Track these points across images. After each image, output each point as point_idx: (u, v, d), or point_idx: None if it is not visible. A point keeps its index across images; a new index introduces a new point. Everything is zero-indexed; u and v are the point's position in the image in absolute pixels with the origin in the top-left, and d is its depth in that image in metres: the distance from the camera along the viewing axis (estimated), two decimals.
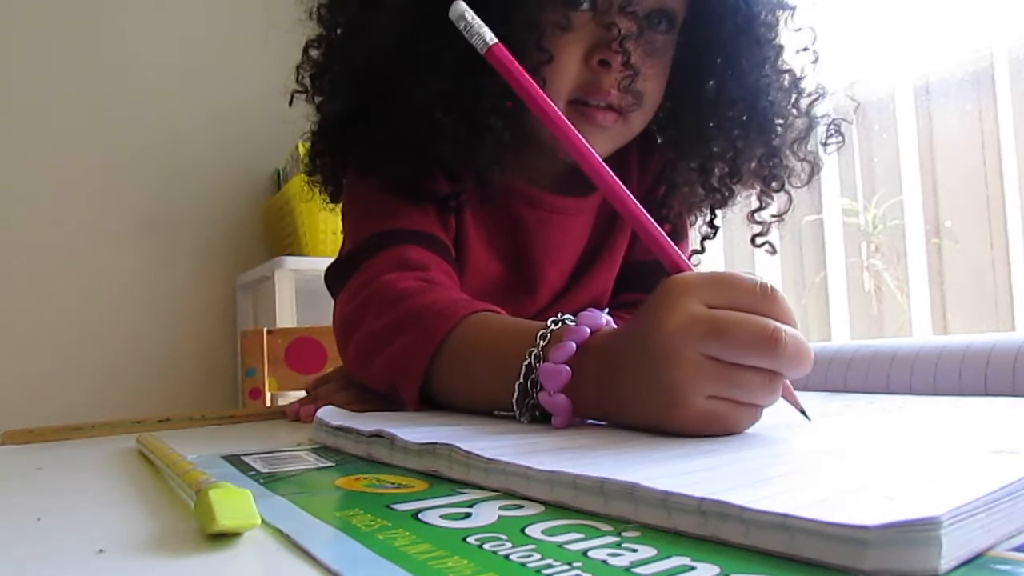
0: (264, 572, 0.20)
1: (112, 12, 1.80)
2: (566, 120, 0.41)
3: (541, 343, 0.40)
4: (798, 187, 0.66)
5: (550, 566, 0.18)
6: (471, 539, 0.21)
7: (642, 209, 0.39)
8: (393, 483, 0.30)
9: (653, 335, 0.34)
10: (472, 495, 0.27)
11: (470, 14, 0.44)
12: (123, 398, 1.74)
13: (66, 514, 0.27)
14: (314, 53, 0.64)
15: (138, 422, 0.57)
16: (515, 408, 0.41)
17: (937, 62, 1.28)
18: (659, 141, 0.70)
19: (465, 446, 0.30)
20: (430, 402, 0.50)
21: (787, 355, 0.32)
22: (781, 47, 0.63)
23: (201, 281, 1.87)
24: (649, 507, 0.22)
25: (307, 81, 0.64)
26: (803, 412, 0.36)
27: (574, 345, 0.39)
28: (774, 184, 0.65)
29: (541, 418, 0.41)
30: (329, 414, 0.42)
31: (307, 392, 0.68)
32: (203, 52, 1.89)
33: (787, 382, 0.35)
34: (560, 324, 0.41)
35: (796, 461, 0.28)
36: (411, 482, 0.30)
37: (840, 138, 0.66)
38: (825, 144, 0.66)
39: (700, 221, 0.72)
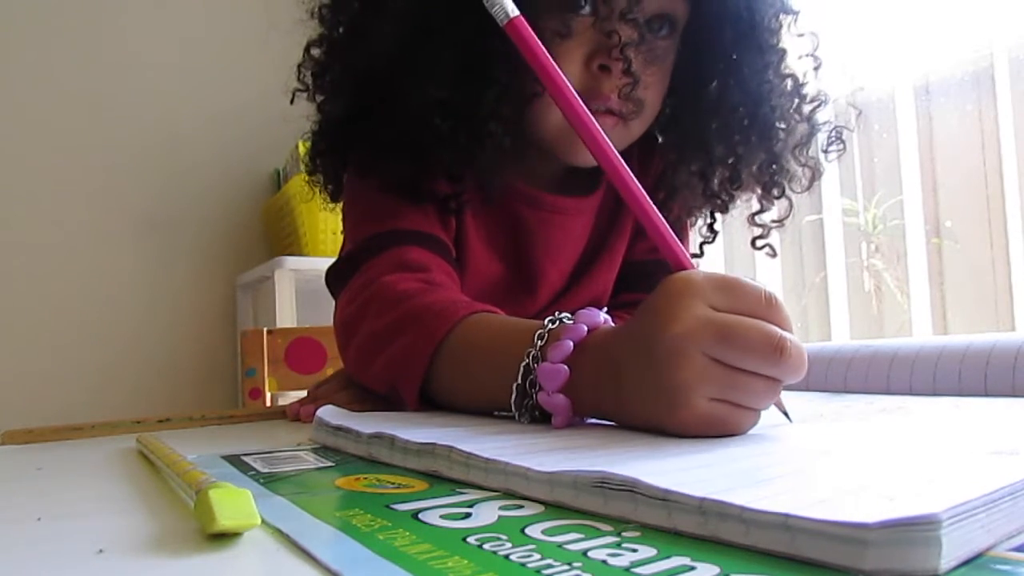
0: (264, 572, 0.20)
1: (112, 12, 1.80)
2: (581, 102, 0.40)
3: (539, 343, 0.40)
4: (799, 192, 0.66)
5: (550, 566, 0.18)
6: (471, 539, 0.21)
7: (649, 201, 0.39)
8: (393, 483, 0.30)
9: (659, 335, 0.34)
10: (472, 495, 0.27)
11: None
12: (123, 398, 1.74)
13: (66, 514, 0.27)
14: (315, 52, 0.64)
15: (138, 422, 0.57)
16: (514, 410, 0.41)
17: (937, 62, 1.28)
18: (660, 141, 0.69)
19: (465, 446, 0.30)
20: (430, 402, 0.50)
21: (790, 363, 0.32)
22: (784, 51, 0.62)
23: (201, 281, 1.87)
24: (649, 507, 0.22)
25: (308, 79, 0.64)
26: (786, 414, 0.37)
27: (571, 344, 0.39)
28: (775, 191, 0.65)
29: (541, 418, 0.41)
30: (329, 414, 0.42)
31: (308, 393, 0.68)
32: (203, 52, 1.89)
33: None
34: (558, 323, 0.41)
35: (796, 461, 0.28)
36: (411, 482, 0.30)
37: (841, 145, 0.66)
38: (826, 152, 0.66)
39: (700, 222, 0.72)
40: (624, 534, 0.21)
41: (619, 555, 0.19)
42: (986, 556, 0.18)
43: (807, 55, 0.63)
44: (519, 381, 0.40)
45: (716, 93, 0.62)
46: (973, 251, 1.26)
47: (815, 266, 1.47)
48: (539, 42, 0.41)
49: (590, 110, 0.59)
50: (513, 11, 0.41)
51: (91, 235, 1.77)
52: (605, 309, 0.42)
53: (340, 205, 0.70)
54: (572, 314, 0.42)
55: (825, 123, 0.65)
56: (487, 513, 0.24)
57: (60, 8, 1.75)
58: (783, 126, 0.63)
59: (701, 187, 0.66)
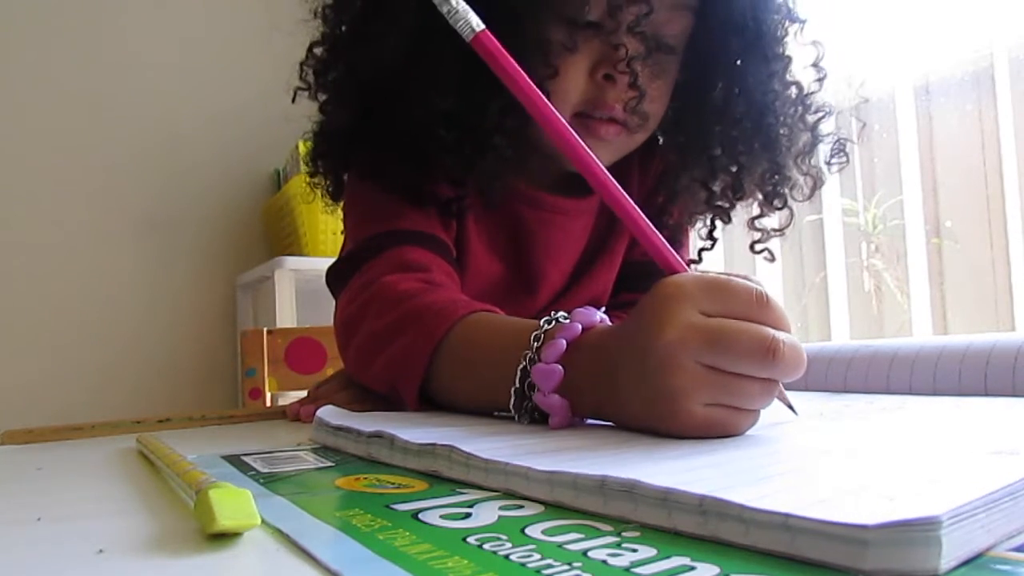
0: (264, 572, 0.20)
1: (112, 12, 1.80)
2: (557, 114, 0.40)
3: (535, 344, 0.40)
4: (800, 201, 0.66)
5: (550, 566, 0.18)
6: (471, 539, 0.21)
7: (632, 203, 0.39)
8: (393, 483, 0.30)
9: (650, 343, 0.33)
10: (472, 495, 0.27)
11: None
12: (123, 398, 1.74)
13: (66, 514, 0.27)
14: (318, 51, 0.64)
15: (138, 422, 0.57)
16: (513, 412, 0.41)
17: (937, 62, 1.28)
18: (660, 142, 0.69)
19: (465, 447, 0.30)
20: (430, 402, 0.50)
21: (784, 363, 0.32)
22: (789, 59, 0.62)
23: (201, 281, 1.87)
24: (649, 507, 0.22)
25: (310, 78, 0.64)
26: (791, 407, 0.37)
27: (564, 343, 0.39)
28: (777, 201, 0.65)
29: (540, 419, 0.41)
30: (329, 414, 0.42)
31: (308, 393, 0.68)
32: (203, 52, 1.89)
33: None
34: (553, 323, 0.41)
35: (796, 460, 0.28)
36: (411, 482, 0.30)
37: (844, 158, 0.65)
38: (829, 163, 0.66)
39: (700, 228, 0.72)
40: (624, 534, 0.21)
41: (619, 555, 0.19)
42: (986, 556, 0.18)
43: (812, 65, 0.63)
44: (516, 384, 0.40)
45: (720, 100, 0.62)
46: (973, 251, 1.26)
47: (815, 266, 1.47)
48: (508, 56, 0.40)
49: (594, 118, 0.59)
50: (479, 25, 0.40)
51: (91, 235, 1.77)
52: (604, 309, 0.42)
53: (340, 206, 0.70)
54: (569, 314, 0.42)
55: (829, 135, 0.65)
56: (487, 513, 0.24)
57: (60, 8, 1.75)
58: (786, 135, 0.63)
59: (704, 195, 0.66)
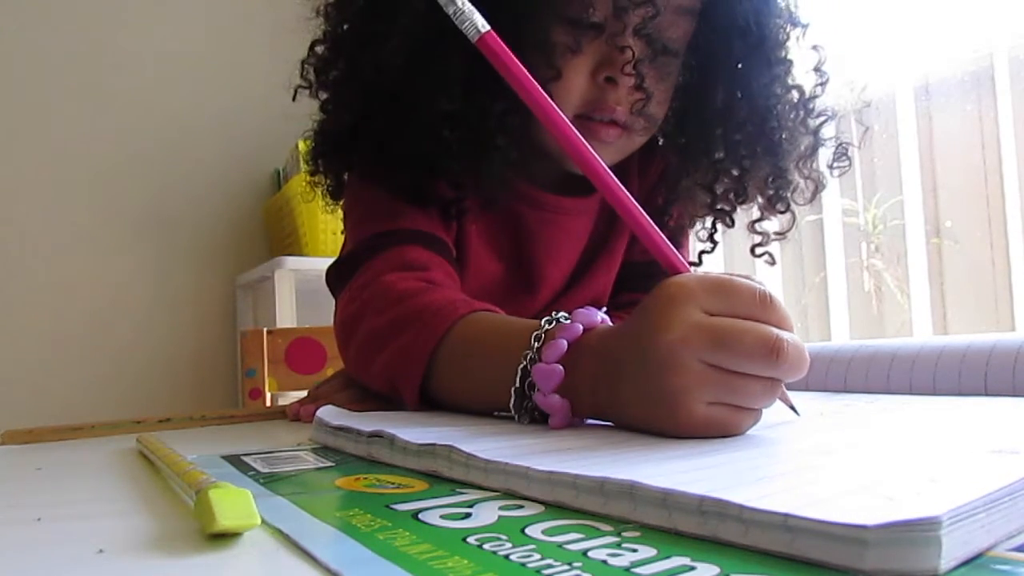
0: (264, 572, 0.20)
1: (112, 13, 1.80)
2: (561, 114, 0.40)
3: (535, 344, 0.40)
4: (801, 204, 0.66)
5: (550, 566, 0.18)
6: (471, 539, 0.21)
7: (637, 205, 0.39)
8: (393, 483, 0.30)
9: (653, 342, 0.33)
10: (472, 495, 0.27)
11: None
12: (123, 398, 1.75)
13: (66, 514, 0.27)
14: (319, 49, 0.64)
15: (138, 422, 0.57)
16: (513, 412, 0.41)
17: (937, 62, 1.28)
18: (660, 143, 0.69)
19: (465, 447, 0.30)
20: (430, 402, 0.50)
21: (788, 363, 0.32)
22: (791, 63, 0.62)
23: (201, 281, 1.87)
24: (649, 507, 0.22)
25: (311, 76, 0.64)
26: (793, 408, 0.37)
27: (565, 343, 0.39)
28: (779, 205, 0.65)
29: (540, 419, 0.41)
30: (329, 414, 0.42)
31: (308, 393, 0.68)
32: (203, 52, 1.89)
33: None
34: (554, 323, 0.41)
35: (796, 461, 0.28)
36: (411, 482, 0.30)
37: (846, 162, 0.65)
38: (831, 167, 0.66)
39: (701, 231, 0.72)
40: (624, 534, 0.21)
41: (619, 555, 0.19)
42: (986, 556, 0.18)
43: (814, 70, 0.62)
44: (517, 384, 0.40)
45: (722, 103, 0.62)
46: (973, 251, 1.26)
47: (815, 266, 1.47)
48: (513, 57, 0.41)
49: (594, 120, 0.59)
50: (484, 26, 0.41)
51: (91, 235, 1.77)
52: (604, 309, 0.42)
53: (341, 205, 0.70)
54: (570, 314, 0.42)
55: (831, 139, 0.65)
56: (487, 513, 0.24)
57: (60, 8, 1.75)
58: (788, 139, 0.63)
59: (707, 198, 0.66)
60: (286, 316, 1.58)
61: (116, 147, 1.80)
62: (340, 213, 0.70)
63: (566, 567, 0.18)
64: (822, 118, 0.64)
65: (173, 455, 0.33)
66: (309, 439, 0.44)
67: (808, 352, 0.34)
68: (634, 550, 0.19)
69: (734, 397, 0.33)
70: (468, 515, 0.24)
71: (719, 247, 0.71)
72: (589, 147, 0.39)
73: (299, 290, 1.61)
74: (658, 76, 0.58)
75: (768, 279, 1.37)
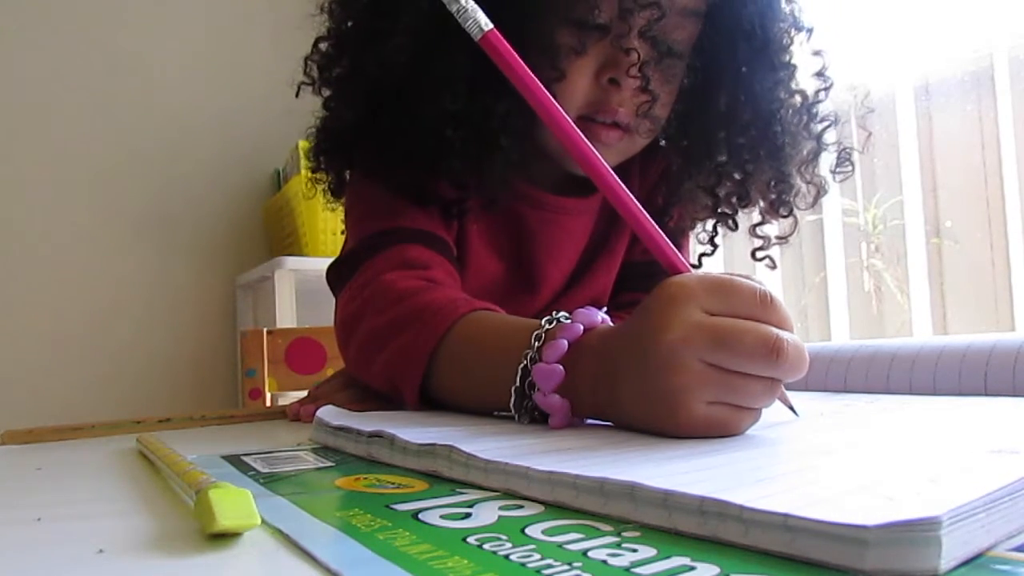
0: (264, 572, 0.20)
1: (112, 13, 1.80)
2: (564, 114, 0.40)
3: (536, 344, 0.40)
4: (803, 209, 0.66)
5: (550, 566, 0.18)
6: (471, 539, 0.21)
7: (639, 205, 0.39)
8: (393, 483, 0.30)
9: (654, 342, 0.34)
10: (472, 495, 0.27)
11: None
12: (123, 398, 1.75)
13: (66, 514, 0.27)
14: (323, 46, 0.63)
15: (138, 422, 0.57)
16: (513, 411, 0.41)
17: (937, 62, 1.28)
18: (662, 144, 0.69)
19: (465, 447, 0.30)
20: (430, 401, 0.50)
21: (788, 363, 0.32)
22: (795, 67, 0.62)
23: (201, 281, 1.87)
24: (649, 507, 0.22)
25: (314, 73, 0.64)
26: (792, 408, 0.37)
27: (566, 343, 0.39)
28: (782, 210, 0.65)
29: (540, 419, 0.41)
30: (329, 414, 0.42)
31: (308, 393, 0.68)
32: (204, 52, 1.89)
33: None
34: (555, 323, 0.41)
35: (796, 461, 0.28)
36: (411, 482, 0.30)
37: (849, 167, 0.65)
38: (834, 172, 0.66)
39: (699, 229, 0.72)
40: (624, 534, 0.21)
41: (619, 555, 0.19)
42: (986, 556, 0.18)
43: (818, 74, 0.62)
44: (517, 383, 0.40)
45: (725, 107, 0.62)
46: (973, 251, 1.26)
47: (815, 266, 1.47)
48: (516, 56, 0.41)
49: (596, 122, 0.59)
50: (487, 25, 0.41)
51: (91, 235, 1.77)
52: (605, 309, 0.42)
53: (340, 205, 0.70)
54: (570, 313, 0.42)
55: (834, 144, 0.65)
56: (487, 513, 0.24)
57: (60, 8, 1.75)
58: (791, 143, 0.63)
59: (709, 201, 0.66)
60: (286, 316, 1.59)
61: (116, 147, 1.80)
62: (340, 213, 0.70)
63: (566, 567, 0.18)
64: (825, 123, 0.64)
65: (173, 455, 0.33)
66: (309, 439, 0.44)
67: (808, 352, 0.34)
68: (634, 550, 0.19)
69: (734, 397, 0.33)
70: (468, 515, 0.24)
71: (718, 250, 0.71)
72: (591, 146, 0.39)
73: (299, 290, 1.61)
74: (662, 78, 0.58)
75: (768, 279, 1.37)
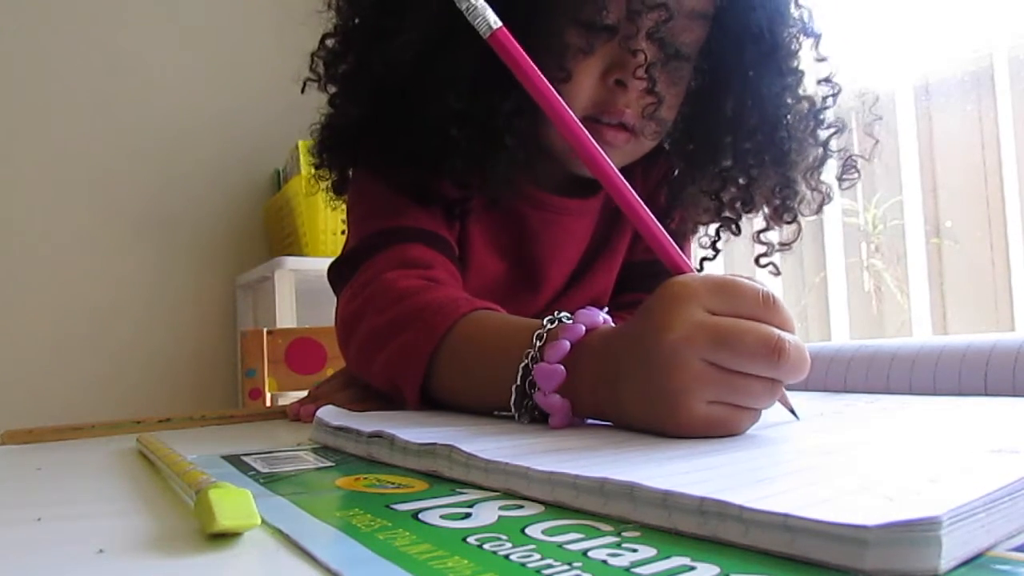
0: (264, 572, 0.20)
1: (112, 12, 1.80)
2: (571, 114, 0.40)
3: (537, 344, 0.40)
4: (807, 216, 0.66)
5: (550, 566, 0.18)
6: (471, 539, 0.21)
7: (643, 205, 0.39)
8: (393, 483, 0.30)
9: (656, 341, 0.34)
10: (472, 495, 0.27)
11: None
12: (123, 398, 1.75)
13: (66, 514, 0.27)
14: (330, 42, 0.63)
15: (138, 422, 0.57)
16: (514, 410, 0.41)
17: (937, 62, 1.28)
18: (667, 147, 0.69)
19: (465, 447, 0.30)
20: (431, 400, 0.50)
21: (789, 364, 0.32)
22: (802, 73, 0.62)
23: (201, 281, 1.87)
24: (649, 507, 0.22)
25: (320, 69, 0.64)
26: (792, 411, 0.37)
27: (568, 344, 0.39)
28: (786, 216, 0.65)
29: (541, 418, 0.41)
30: (329, 414, 0.42)
31: (308, 393, 0.68)
32: (204, 52, 1.89)
33: None
34: (556, 323, 0.41)
35: (796, 461, 0.28)
36: (411, 482, 0.30)
37: (856, 174, 0.65)
38: (840, 180, 0.66)
39: (702, 232, 0.72)
40: (624, 534, 0.21)
41: (619, 555, 0.19)
42: (986, 556, 0.18)
43: (825, 80, 0.62)
44: (518, 382, 0.40)
45: (732, 111, 0.62)
46: (973, 251, 1.26)
47: (815, 266, 1.47)
48: (524, 54, 0.40)
49: (602, 123, 0.59)
50: (496, 23, 0.41)
51: (91, 235, 1.77)
52: (606, 309, 0.42)
53: (341, 204, 0.70)
54: (572, 314, 0.42)
55: (840, 150, 0.65)
56: (487, 513, 0.24)
57: (60, 8, 1.75)
58: (797, 149, 0.62)
59: (713, 205, 0.66)
60: (286, 316, 1.59)
61: (116, 147, 1.79)
62: (341, 212, 0.70)
63: (566, 567, 0.18)
64: (832, 130, 0.64)
65: (173, 455, 0.33)
66: (309, 439, 0.44)
67: (808, 353, 0.34)
68: (634, 550, 0.19)
69: (735, 396, 0.33)
70: (468, 515, 0.24)
71: (720, 254, 0.71)
72: (597, 146, 0.39)
73: (299, 290, 1.61)
74: (669, 80, 0.58)
75: (768, 280, 1.37)
